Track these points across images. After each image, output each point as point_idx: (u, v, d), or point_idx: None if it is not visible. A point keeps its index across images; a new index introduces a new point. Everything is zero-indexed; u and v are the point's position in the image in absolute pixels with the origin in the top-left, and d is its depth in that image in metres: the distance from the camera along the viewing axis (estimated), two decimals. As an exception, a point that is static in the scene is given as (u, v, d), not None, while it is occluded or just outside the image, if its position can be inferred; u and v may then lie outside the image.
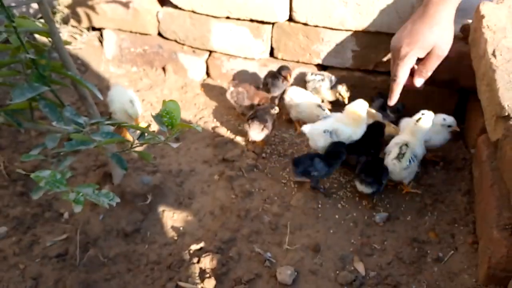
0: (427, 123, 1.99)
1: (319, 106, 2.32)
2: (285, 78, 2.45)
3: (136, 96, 2.29)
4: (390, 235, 1.81)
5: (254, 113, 2.22)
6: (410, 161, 1.91)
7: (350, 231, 1.83)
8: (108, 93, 2.31)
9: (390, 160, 1.94)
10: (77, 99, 2.45)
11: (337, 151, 1.99)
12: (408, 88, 1.99)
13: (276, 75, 2.48)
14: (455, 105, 2.40)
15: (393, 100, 2.03)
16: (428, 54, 1.90)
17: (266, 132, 2.20)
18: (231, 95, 2.43)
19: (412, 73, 1.93)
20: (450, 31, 1.89)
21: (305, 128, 2.08)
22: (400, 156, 1.91)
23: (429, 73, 1.96)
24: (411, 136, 2.00)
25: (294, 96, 2.37)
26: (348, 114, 2.09)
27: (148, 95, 2.60)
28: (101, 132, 1.41)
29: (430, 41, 1.87)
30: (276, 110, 2.27)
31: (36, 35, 2.55)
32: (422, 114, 2.02)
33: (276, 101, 2.55)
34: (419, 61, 1.90)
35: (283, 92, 2.47)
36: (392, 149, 1.97)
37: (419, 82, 1.98)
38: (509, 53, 1.83)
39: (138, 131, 1.44)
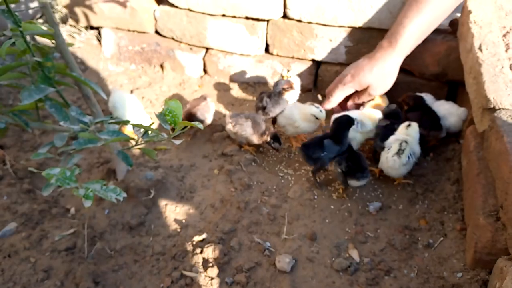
0: (415, 130, 2.05)
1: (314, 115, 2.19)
2: (285, 90, 2.29)
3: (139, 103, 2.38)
4: (382, 223, 1.90)
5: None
6: (409, 158, 1.96)
7: (345, 221, 1.92)
8: (111, 99, 2.33)
9: (390, 156, 1.96)
10: (78, 98, 2.53)
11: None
12: (341, 108, 2.38)
13: (272, 93, 2.31)
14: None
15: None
16: (364, 89, 2.25)
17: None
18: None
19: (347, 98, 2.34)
20: (389, 76, 2.22)
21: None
22: (400, 152, 1.95)
23: (359, 102, 2.35)
24: (407, 136, 2.05)
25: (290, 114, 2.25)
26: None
27: (147, 92, 2.67)
28: (107, 130, 1.48)
29: (367, 80, 2.22)
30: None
31: (37, 36, 2.60)
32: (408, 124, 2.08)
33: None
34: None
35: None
36: (392, 145, 2.00)
37: (349, 105, 2.35)
38: (494, 47, 1.91)
39: (142, 129, 1.51)
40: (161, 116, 1.45)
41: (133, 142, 1.53)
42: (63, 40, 1.68)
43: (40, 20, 2.87)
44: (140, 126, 1.49)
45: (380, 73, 2.18)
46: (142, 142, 1.52)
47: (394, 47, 2.15)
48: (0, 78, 1.58)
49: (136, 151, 2.25)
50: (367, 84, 2.22)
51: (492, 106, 1.72)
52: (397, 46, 2.14)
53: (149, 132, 1.51)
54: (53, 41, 1.69)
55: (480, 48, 1.92)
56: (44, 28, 1.68)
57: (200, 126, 1.47)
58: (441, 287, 1.61)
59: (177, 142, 1.50)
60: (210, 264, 1.68)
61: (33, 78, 1.62)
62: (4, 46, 1.51)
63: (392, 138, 2.06)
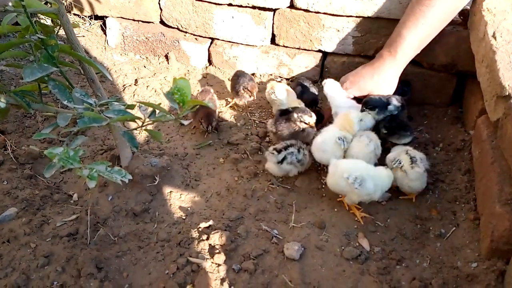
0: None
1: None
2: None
3: None
4: (392, 213, 1.85)
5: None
6: (422, 162, 1.87)
7: (354, 210, 1.87)
8: None
9: (409, 168, 1.83)
10: (82, 86, 2.48)
11: None
12: None
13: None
14: (454, 89, 2.44)
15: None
16: (363, 97, 2.18)
17: None
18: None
19: None
20: (390, 85, 2.19)
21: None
22: (414, 160, 1.85)
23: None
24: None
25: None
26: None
27: (152, 81, 2.63)
28: (113, 109, 1.44)
29: (368, 86, 2.19)
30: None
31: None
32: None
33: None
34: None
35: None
36: (400, 159, 1.88)
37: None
38: (509, 34, 1.86)
39: (150, 109, 1.47)
40: (169, 94, 1.41)
41: (139, 123, 1.49)
42: (68, 19, 1.63)
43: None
44: (148, 105, 1.45)
45: (381, 81, 2.17)
46: (149, 122, 1.47)
47: (395, 56, 2.14)
48: (2, 55, 1.54)
49: (140, 138, 2.21)
50: (367, 91, 2.20)
51: (507, 93, 1.67)
52: (397, 56, 2.13)
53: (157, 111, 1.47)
54: (58, 21, 1.65)
55: (494, 36, 1.88)
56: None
57: (211, 105, 1.43)
58: (455, 277, 1.56)
59: (186, 122, 1.45)
60: (217, 251, 1.63)
61: (36, 57, 1.58)
62: (5, 19, 1.47)
63: (391, 156, 1.94)
